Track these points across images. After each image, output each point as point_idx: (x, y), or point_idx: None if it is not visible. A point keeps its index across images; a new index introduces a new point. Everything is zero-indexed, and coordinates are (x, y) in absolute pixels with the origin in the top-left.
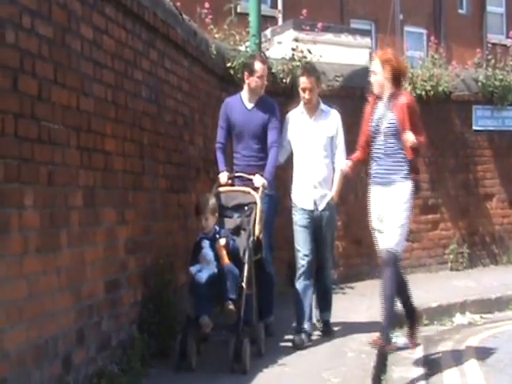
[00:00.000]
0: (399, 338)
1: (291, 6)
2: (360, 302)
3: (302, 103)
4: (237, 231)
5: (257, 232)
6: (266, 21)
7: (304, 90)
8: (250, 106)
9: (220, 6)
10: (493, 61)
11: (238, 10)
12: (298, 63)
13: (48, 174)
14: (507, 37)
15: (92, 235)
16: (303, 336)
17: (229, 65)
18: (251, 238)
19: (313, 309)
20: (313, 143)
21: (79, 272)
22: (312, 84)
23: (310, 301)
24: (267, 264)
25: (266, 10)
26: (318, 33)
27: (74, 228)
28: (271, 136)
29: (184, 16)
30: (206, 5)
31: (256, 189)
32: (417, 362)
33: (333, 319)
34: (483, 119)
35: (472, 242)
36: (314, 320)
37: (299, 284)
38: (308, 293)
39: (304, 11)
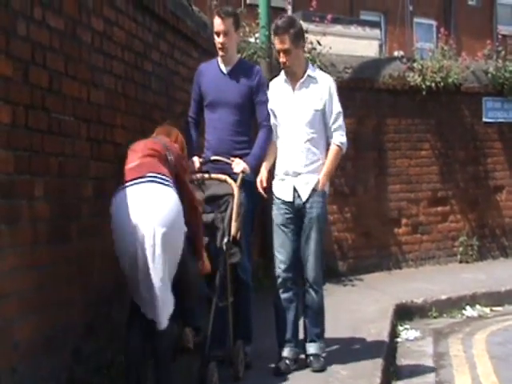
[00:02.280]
0: (409, 331)
1: None
2: (369, 294)
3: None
4: (209, 230)
5: (233, 231)
6: (275, 12)
7: (278, 52)
8: (226, 69)
9: None
10: (503, 52)
11: (248, 2)
12: (308, 55)
13: (58, 165)
14: None
15: (102, 226)
16: (287, 361)
17: (238, 56)
18: (226, 239)
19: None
20: (295, 118)
21: (89, 262)
22: (287, 44)
23: (293, 318)
24: (244, 271)
25: (275, 1)
26: (328, 24)
27: (84, 219)
28: (261, 112)
29: (194, 8)
30: None
31: (234, 175)
32: (426, 355)
33: (343, 312)
34: (493, 111)
35: (482, 234)
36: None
37: (278, 299)
38: (290, 309)
39: (314, 2)
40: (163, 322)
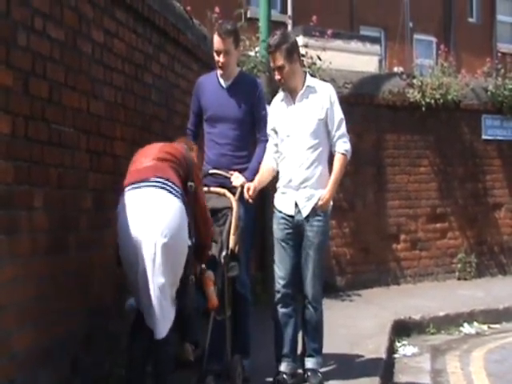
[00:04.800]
0: (407, 347)
1: (301, 12)
2: (367, 309)
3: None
4: None
5: (231, 244)
6: (275, 26)
7: (273, 69)
8: (225, 84)
9: (230, 11)
10: (502, 70)
11: (248, 15)
12: (308, 69)
13: (58, 176)
14: None
15: (101, 237)
16: (285, 376)
17: (238, 69)
18: (224, 252)
19: (299, 341)
20: (299, 129)
21: (88, 274)
22: (280, 61)
23: (291, 333)
24: (242, 286)
25: (275, 15)
26: (328, 39)
27: (82, 230)
28: (260, 127)
29: (194, 20)
30: (217, 9)
31: (233, 189)
32: (424, 371)
33: (341, 327)
34: (492, 129)
35: (480, 251)
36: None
37: (276, 313)
38: (289, 324)
39: (314, 17)
40: (161, 331)
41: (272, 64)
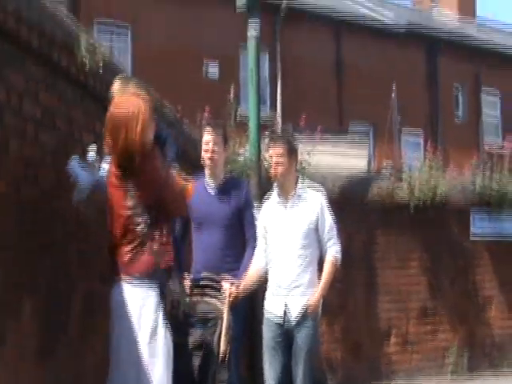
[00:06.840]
0: None
1: (291, 110)
2: None
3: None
4: (198, 348)
5: (222, 349)
6: (265, 126)
7: (271, 157)
8: (213, 191)
9: (219, 112)
10: (489, 165)
11: (238, 119)
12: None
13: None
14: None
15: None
16: None
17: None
18: (214, 359)
19: None
20: (287, 238)
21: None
22: (281, 149)
23: None
24: None
25: (264, 114)
26: (317, 142)
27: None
28: (248, 230)
29: (184, 124)
30: (207, 108)
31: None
32: None
33: None
34: (481, 224)
35: (472, 347)
36: None
37: None
38: None
39: (303, 118)
40: None
41: (271, 151)
